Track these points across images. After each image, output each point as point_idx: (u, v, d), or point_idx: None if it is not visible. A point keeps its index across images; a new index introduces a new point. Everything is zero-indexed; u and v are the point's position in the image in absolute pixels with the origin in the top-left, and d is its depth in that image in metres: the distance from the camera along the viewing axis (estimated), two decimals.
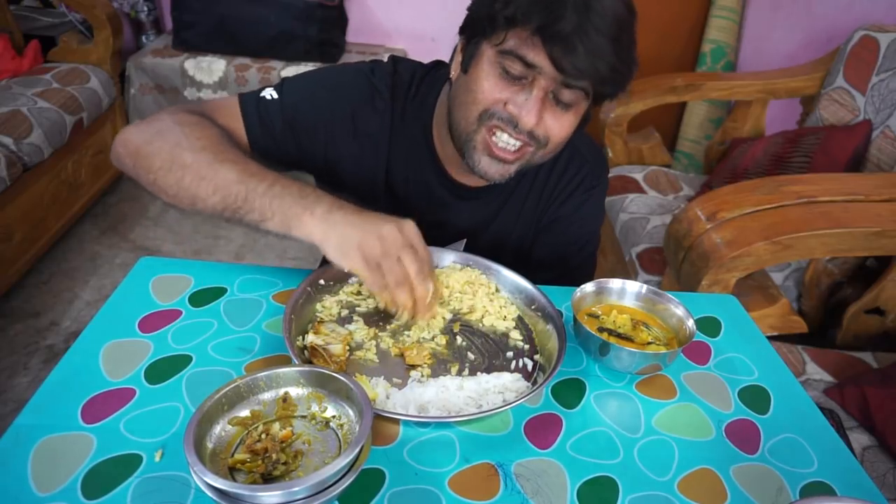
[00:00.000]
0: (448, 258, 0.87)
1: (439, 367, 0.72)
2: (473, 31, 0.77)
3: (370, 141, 0.91)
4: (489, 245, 0.98)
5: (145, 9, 2.80)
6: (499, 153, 0.79)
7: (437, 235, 0.96)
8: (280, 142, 0.88)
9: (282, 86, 0.89)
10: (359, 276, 0.70)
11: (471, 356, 0.74)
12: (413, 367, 0.71)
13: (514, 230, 0.99)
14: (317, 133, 0.89)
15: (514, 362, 0.74)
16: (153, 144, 0.76)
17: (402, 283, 0.69)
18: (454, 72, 0.83)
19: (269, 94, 0.88)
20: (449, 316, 0.78)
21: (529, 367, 0.73)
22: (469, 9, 0.78)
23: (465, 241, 0.97)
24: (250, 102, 0.87)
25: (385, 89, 0.90)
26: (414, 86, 0.92)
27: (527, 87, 0.75)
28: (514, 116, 0.76)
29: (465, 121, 0.80)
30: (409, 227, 0.71)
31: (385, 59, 0.94)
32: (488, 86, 0.76)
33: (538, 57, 0.71)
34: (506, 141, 0.78)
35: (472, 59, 0.78)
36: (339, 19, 2.71)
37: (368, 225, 0.69)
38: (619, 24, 0.70)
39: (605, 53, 0.69)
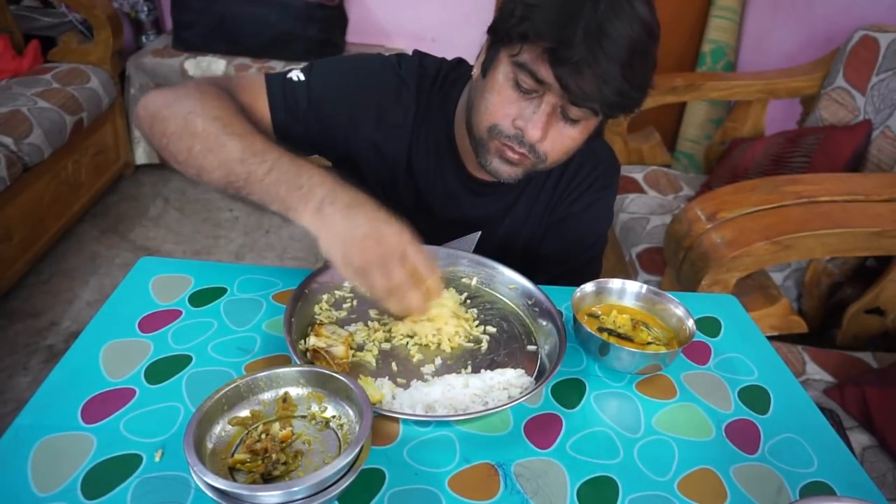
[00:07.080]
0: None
1: (443, 365, 0.72)
2: (496, 36, 0.78)
3: (393, 131, 0.92)
4: (500, 240, 0.99)
5: (145, 9, 2.80)
6: (509, 156, 0.81)
7: (451, 228, 0.98)
8: (303, 123, 0.88)
9: (310, 69, 0.90)
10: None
11: (483, 344, 0.76)
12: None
13: (525, 225, 1.00)
14: (340, 119, 0.90)
15: (516, 359, 0.74)
16: (170, 108, 0.76)
17: (391, 292, 0.66)
18: (476, 70, 0.84)
19: (297, 76, 0.88)
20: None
21: (534, 364, 0.73)
22: (498, 10, 0.79)
23: (479, 233, 0.98)
24: (276, 82, 0.88)
25: (411, 81, 0.92)
26: (439, 80, 0.93)
27: (535, 100, 0.76)
28: (521, 130, 0.77)
29: (478, 128, 0.82)
30: (392, 234, 0.66)
31: (410, 53, 0.95)
32: (499, 100, 0.78)
33: (548, 75, 0.72)
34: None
35: (491, 65, 0.79)
36: (339, 19, 2.71)
37: (353, 230, 0.65)
38: (634, 49, 0.70)
39: (614, 79, 0.70)
